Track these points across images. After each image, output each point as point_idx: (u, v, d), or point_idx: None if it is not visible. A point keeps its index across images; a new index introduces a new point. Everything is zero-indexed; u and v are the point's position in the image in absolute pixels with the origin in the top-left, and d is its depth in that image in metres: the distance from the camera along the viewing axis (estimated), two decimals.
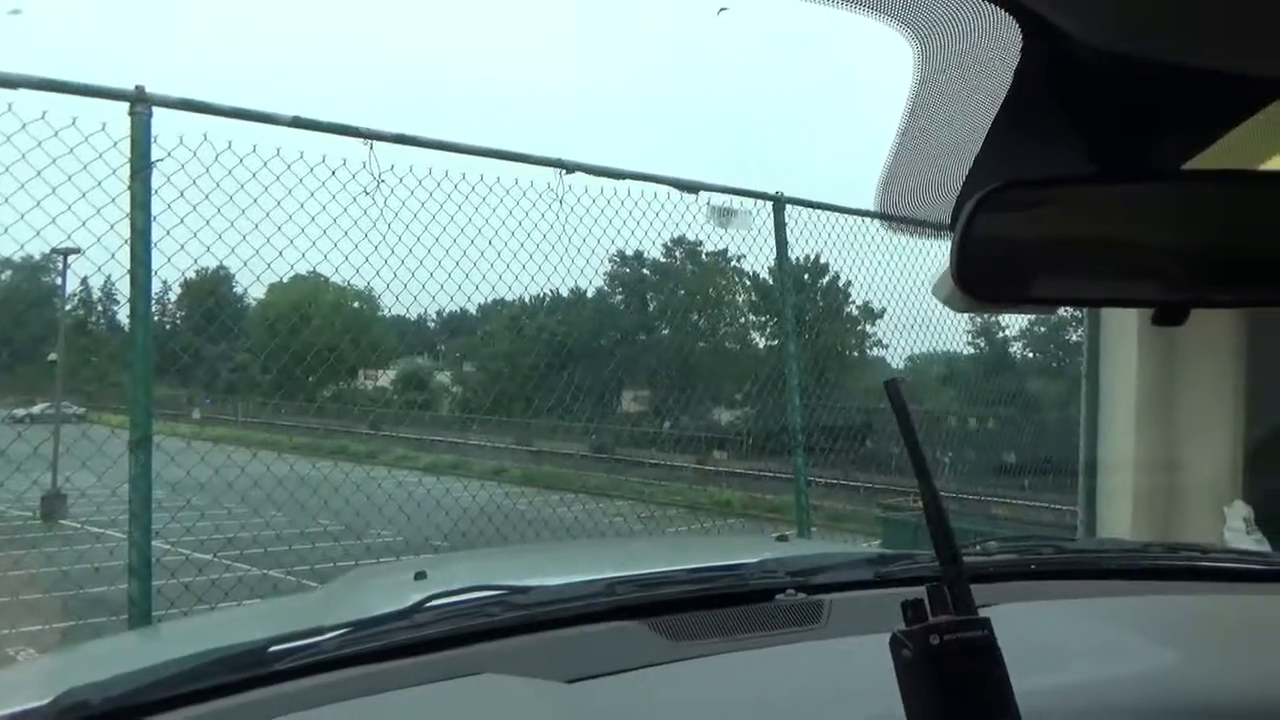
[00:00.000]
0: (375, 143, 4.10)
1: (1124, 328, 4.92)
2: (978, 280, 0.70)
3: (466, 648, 1.17)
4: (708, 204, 5.44)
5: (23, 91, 3.26)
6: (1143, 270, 0.74)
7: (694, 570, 1.43)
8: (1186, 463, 4.69)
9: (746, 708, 1.07)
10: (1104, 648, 1.17)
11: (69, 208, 3.51)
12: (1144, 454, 4.80)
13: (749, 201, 5.57)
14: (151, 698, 1.04)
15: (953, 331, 7.27)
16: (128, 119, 3.45)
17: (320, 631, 1.18)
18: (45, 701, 1.03)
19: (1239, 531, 4.36)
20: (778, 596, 1.34)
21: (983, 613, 0.83)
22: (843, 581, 1.42)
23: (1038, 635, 1.12)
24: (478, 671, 1.12)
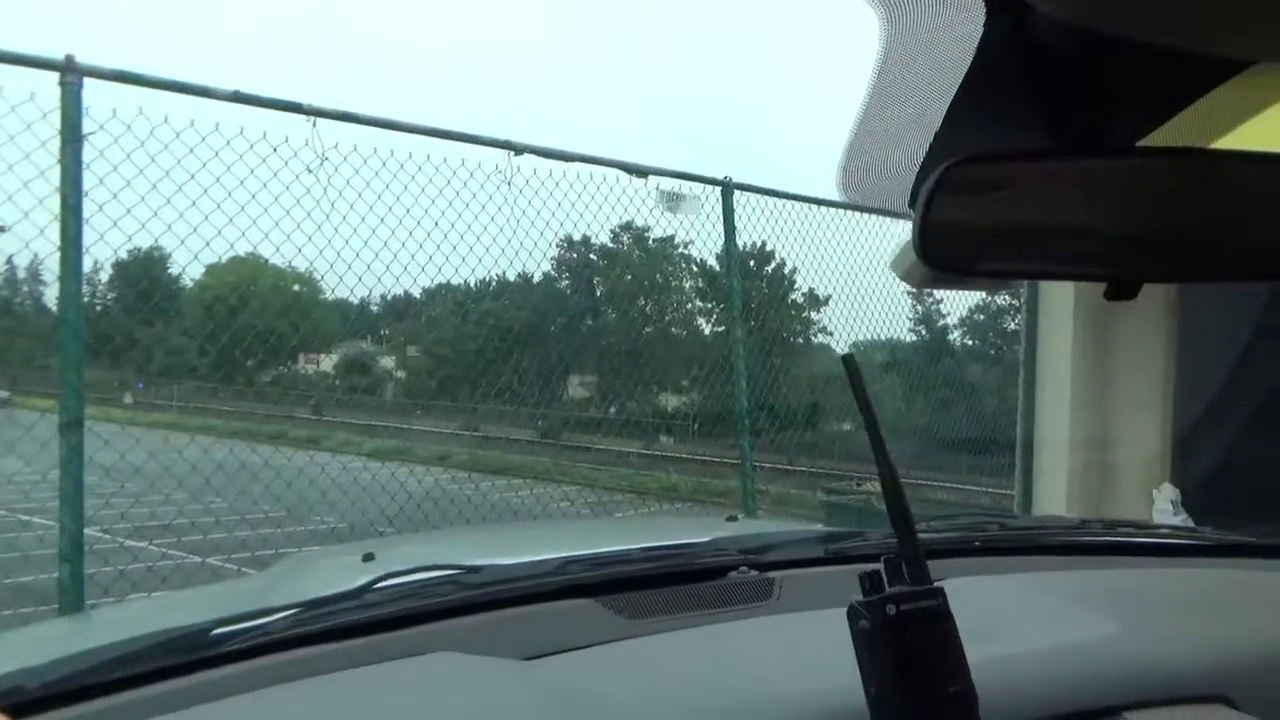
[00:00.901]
0: (319, 120, 4.01)
1: (1061, 315, 5.05)
2: (938, 255, 0.70)
3: (419, 627, 1.16)
4: (657, 189, 5.44)
5: None
6: (1098, 245, 0.75)
7: (647, 549, 1.43)
8: (1118, 446, 4.85)
9: (702, 682, 1.07)
10: (1048, 619, 1.20)
11: None
12: (1078, 437, 4.94)
13: (698, 187, 5.59)
14: (90, 681, 1.01)
15: (895, 319, 7.39)
16: (57, 89, 3.33)
17: (267, 613, 1.15)
18: None
19: (1166, 513, 4.52)
20: (730, 574, 1.35)
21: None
22: (793, 559, 1.43)
23: (985, 608, 1.14)
24: (431, 651, 1.11)
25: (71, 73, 3.33)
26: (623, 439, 15.63)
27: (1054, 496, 5.03)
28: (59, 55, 3.34)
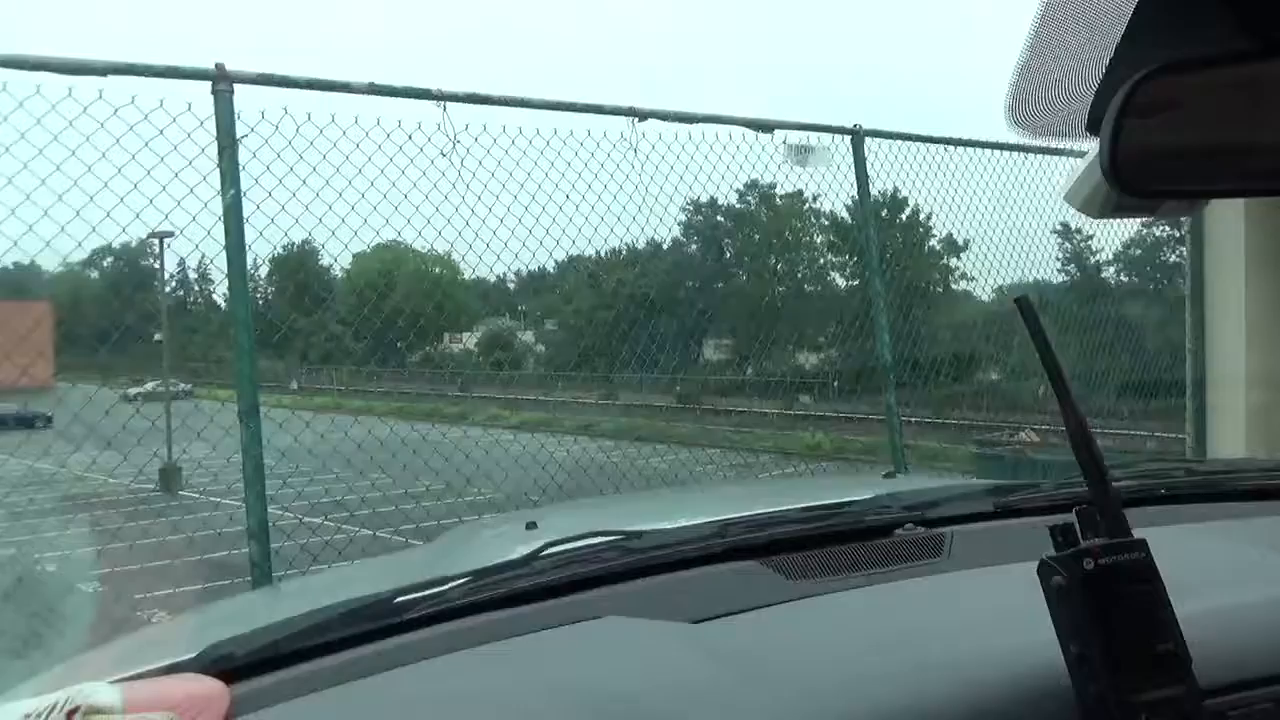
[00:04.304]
0: (449, 104, 4.10)
1: (1231, 242, 4.66)
2: (1133, 177, 0.64)
3: (587, 592, 1.18)
4: (784, 143, 5.32)
5: (112, 78, 3.35)
6: None
7: (808, 509, 1.41)
8: None
9: (874, 643, 1.05)
10: (1255, 570, 1.11)
11: (164, 189, 3.61)
12: (1255, 372, 4.57)
13: (826, 138, 5.43)
14: (290, 648, 1.08)
15: (1041, 260, 6.98)
16: (211, 98, 3.53)
17: (442, 582, 1.20)
18: (193, 655, 1.08)
19: None
20: (896, 531, 1.32)
21: None
22: (962, 514, 1.38)
23: (1184, 559, 1.06)
24: (600, 616, 1.12)
25: (222, 80, 3.52)
26: (762, 400, 15.54)
27: (1232, 437, 4.68)
28: (209, 65, 3.54)
